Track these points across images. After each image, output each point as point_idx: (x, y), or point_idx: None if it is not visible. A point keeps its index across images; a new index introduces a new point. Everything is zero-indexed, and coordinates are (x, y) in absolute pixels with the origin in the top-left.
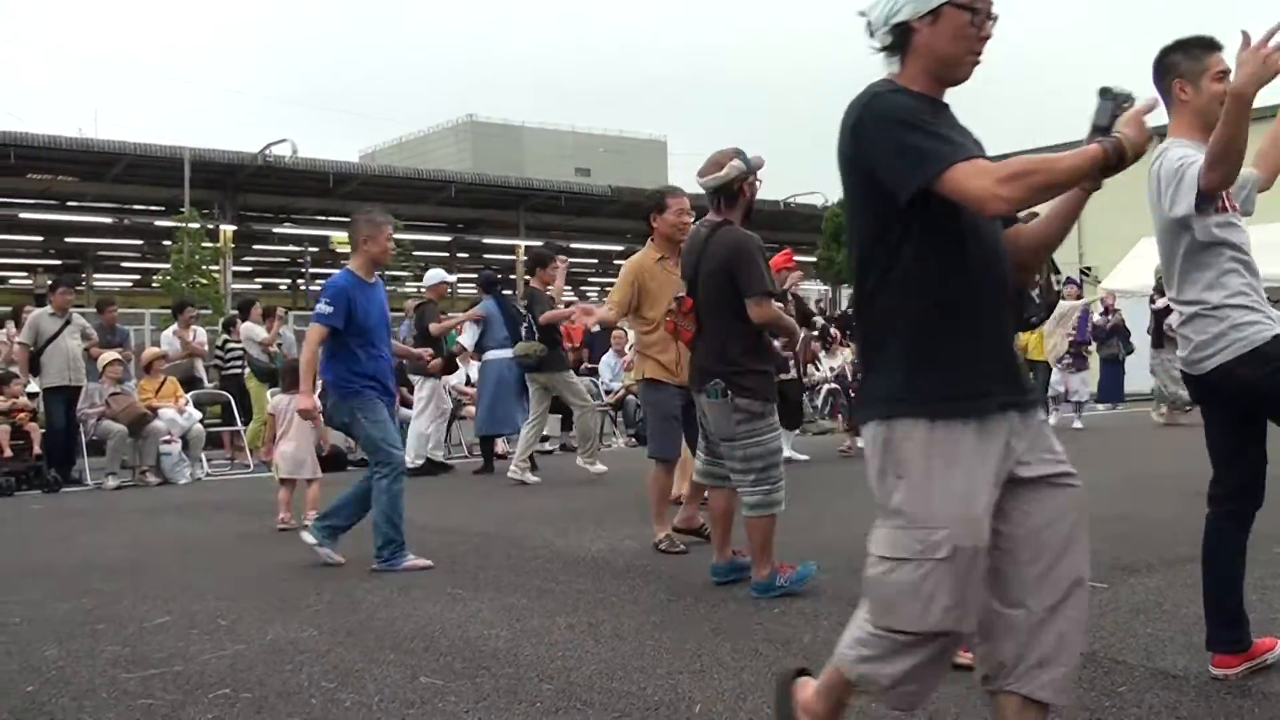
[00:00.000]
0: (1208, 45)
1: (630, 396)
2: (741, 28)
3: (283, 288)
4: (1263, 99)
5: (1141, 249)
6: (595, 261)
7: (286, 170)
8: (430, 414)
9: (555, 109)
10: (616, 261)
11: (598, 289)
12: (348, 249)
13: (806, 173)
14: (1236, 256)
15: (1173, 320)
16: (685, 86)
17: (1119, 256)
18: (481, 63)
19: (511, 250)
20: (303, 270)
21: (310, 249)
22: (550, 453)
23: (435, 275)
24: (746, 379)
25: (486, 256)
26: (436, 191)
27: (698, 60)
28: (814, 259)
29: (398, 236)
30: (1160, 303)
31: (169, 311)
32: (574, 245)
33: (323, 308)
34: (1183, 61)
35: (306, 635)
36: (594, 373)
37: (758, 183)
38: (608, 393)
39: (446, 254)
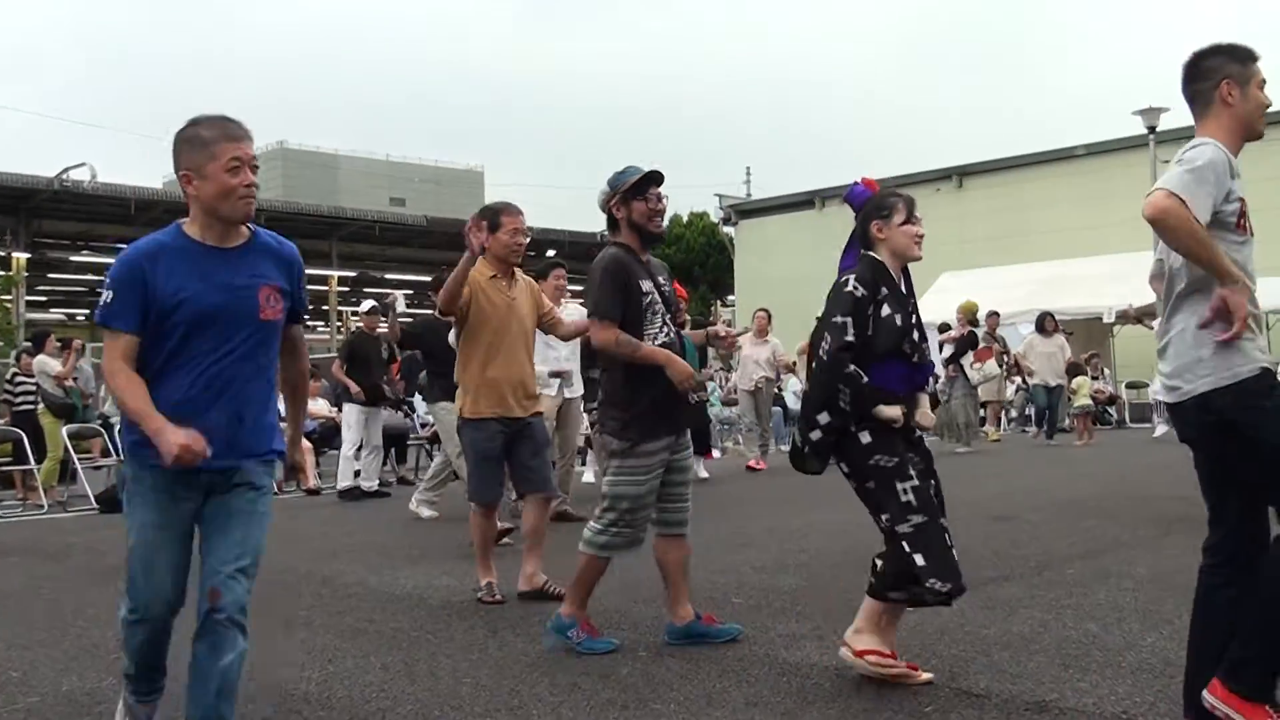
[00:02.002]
0: (1253, 53)
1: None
2: (561, 59)
3: (81, 318)
4: None
5: (942, 282)
6: (411, 293)
7: (86, 195)
8: (351, 441)
9: (370, 137)
10: (431, 295)
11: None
12: None
13: None
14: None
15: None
16: (503, 118)
17: (920, 291)
18: (294, 89)
19: (324, 280)
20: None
21: None
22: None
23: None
24: (609, 413)
25: None
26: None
27: (516, 92)
28: None
29: None
30: (951, 333)
31: None
32: (388, 276)
33: None
34: (1231, 65)
35: (106, 685)
36: (411, 406)
37: (642, 202)
38: (423, 426)
39: None
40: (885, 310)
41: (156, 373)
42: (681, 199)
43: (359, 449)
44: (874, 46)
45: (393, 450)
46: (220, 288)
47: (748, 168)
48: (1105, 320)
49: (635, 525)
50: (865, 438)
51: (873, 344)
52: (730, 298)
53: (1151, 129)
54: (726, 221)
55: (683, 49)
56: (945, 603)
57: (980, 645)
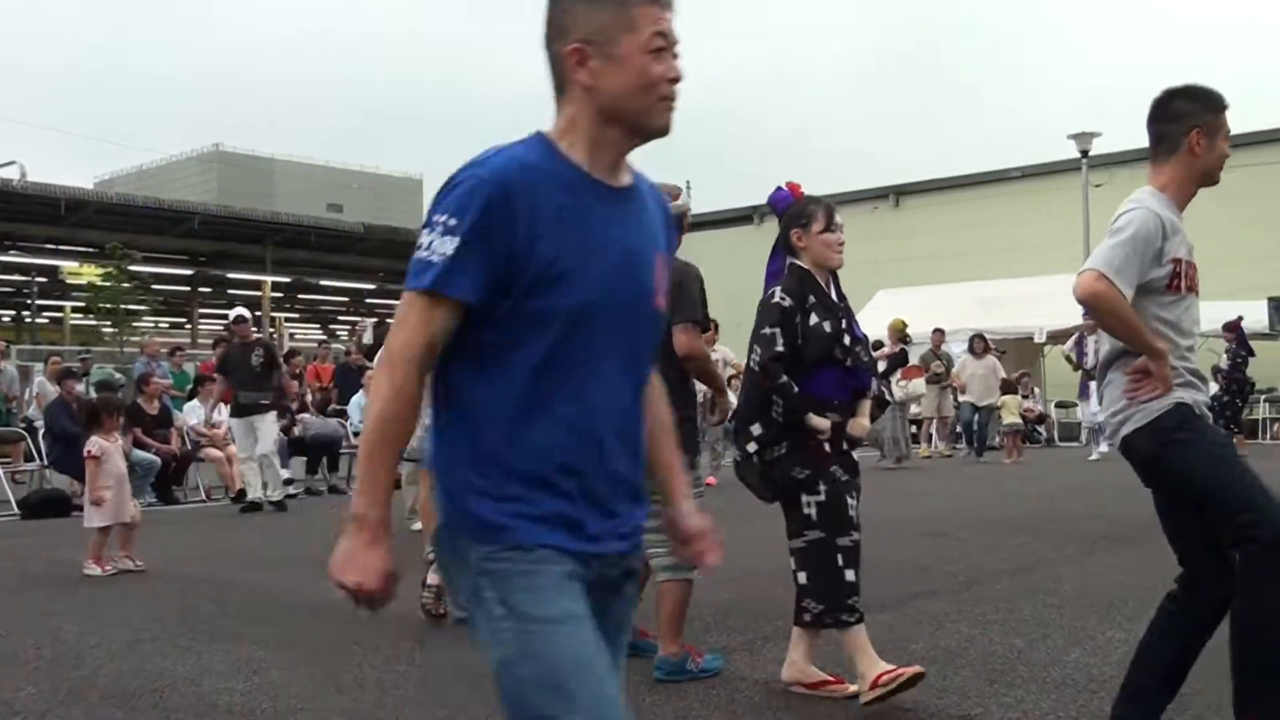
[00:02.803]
0: (1224, 102)
1: None
2: (504, 70)
3: (6, 319)
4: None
5: (878, 300)
6: (346, 300)
7: (13, 194)
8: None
9: (308, 142)
10: (369, 300)
11: (348, 328)
12: (80, 279)
13: None
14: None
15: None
16: (444, 127)
17: (857, 308)
18: (231, 91)
19: (257, 286)
20: (29, 301)
21: (38, 279)
22: (295, 495)
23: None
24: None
25: (231, 292)
26: (178, 223)
27: (457, 101)
28: None
29: (134, 269)
30: (884, 350)
31: None
32: (324, 283)
33: None
34: (1205, 114)
35: (24, 694)
36: (342, 414)
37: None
38: (356, 434)
39: (188, 288)
40: (814, 319)
41: (497, 394)
42: None
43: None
44: (816, 67)
45: (324, 458)
46: (622, 253)
47: (688, 181)
48: (1036, 340)
49: None
50: (783, 448)
51: (804, 353)
52: None
53: (1084, 153)
54: None
55: None
56: (837, 625)
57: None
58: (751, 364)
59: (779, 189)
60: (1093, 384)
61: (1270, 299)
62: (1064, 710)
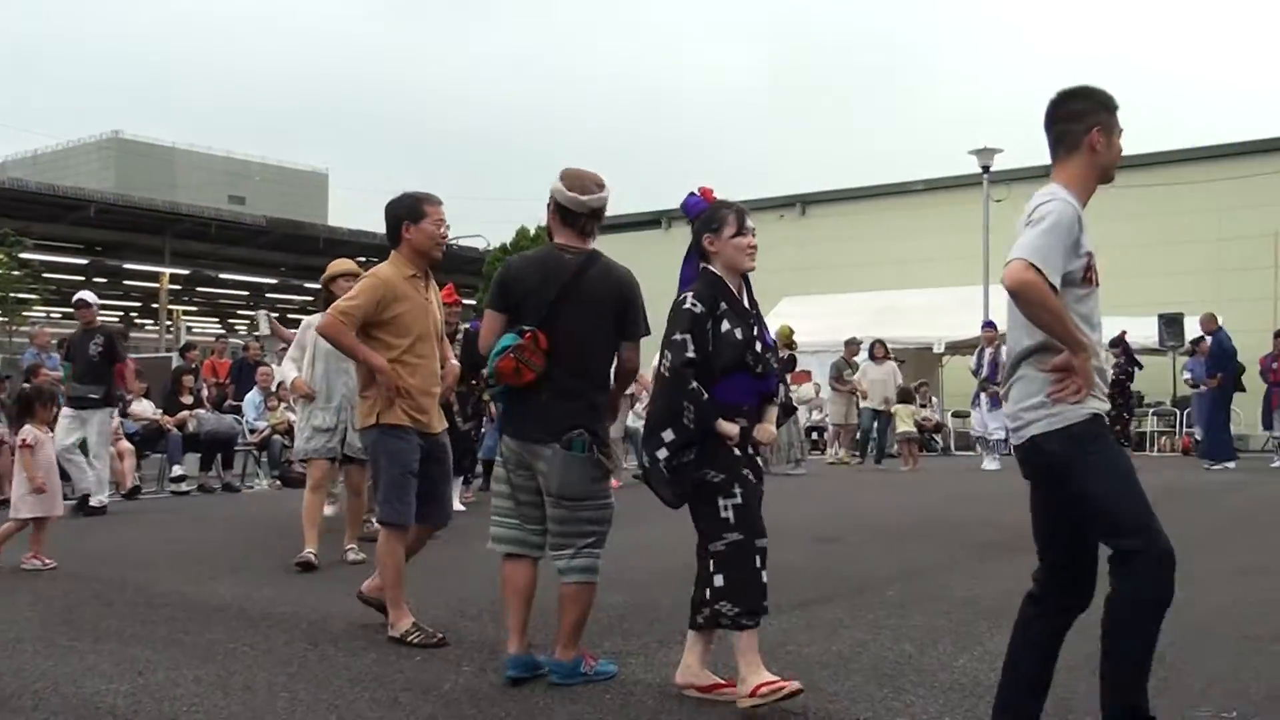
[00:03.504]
0: (1116, 102)
1: (276, 436)
2: (414, 65)
3: None
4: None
5: (782, 308)
6: (246, 294)
7: None
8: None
9: (211, 131)
10: (270, 295)
11: (247, 323)
12: None
13: (463, 212)
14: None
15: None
16: (350, 119)
17: (764, 314)
18: (131, 75)
19: (155, 278)
20: None
21: None
22: (187, 493)
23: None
24: (604, 431)
25: (127, 283)
26: (73, 210)
27: (364, 94)
28: (474, 301)
29: (25, 256)
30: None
31: None
32: (224, 276)
33: None
34: (1102, 112)
35: None
36: (238, 410)
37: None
38: (252, 431)
39: (83, 278)
40: (725, 325)
41: None
42: (529, 212)
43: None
44: (725, 74)
45: (218, 455)
46: None
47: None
48: (935, 350)
49: None
50: (692, 454)
51: (715, 360)
52: None
53: (986, 168)
54: None
55: (536, 63)
56: (736, 627)
57: (800, 664)
58: (662, 370)
59: (691, 194)
60: (983, 395)
61: (1160, 315)
62: (951, 715)
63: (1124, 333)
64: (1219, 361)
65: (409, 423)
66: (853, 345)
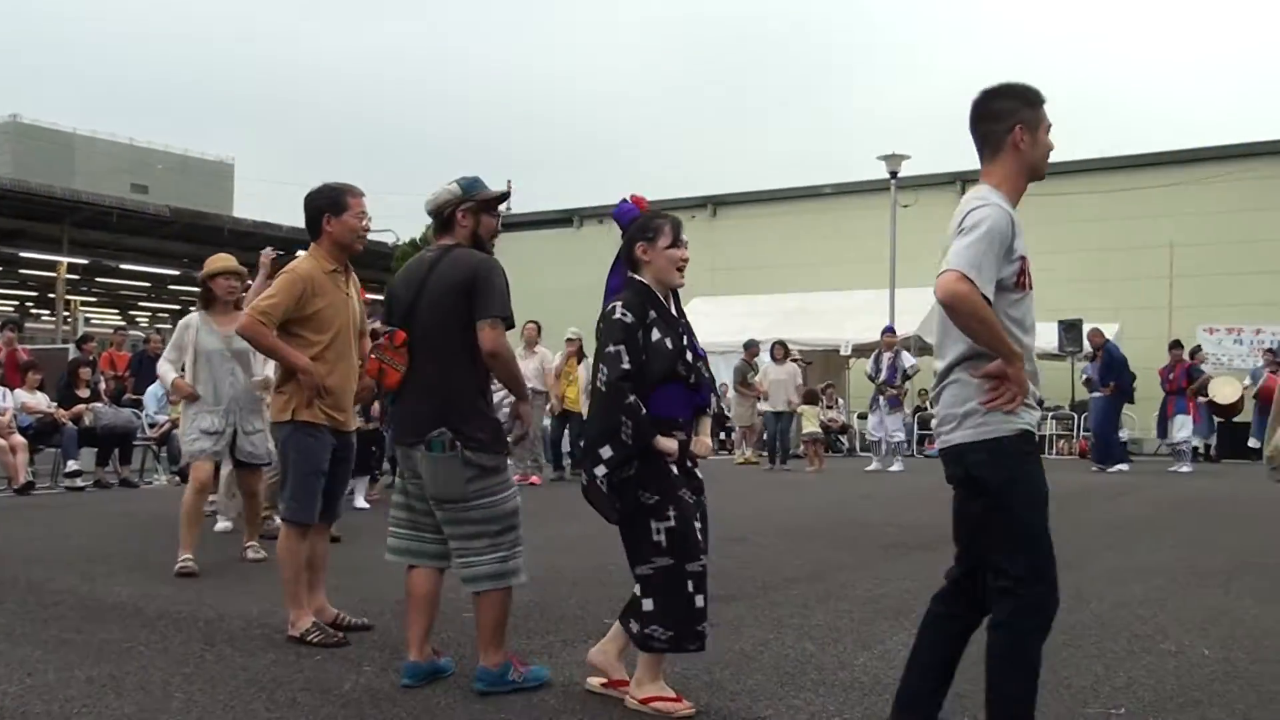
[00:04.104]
0: (1042, 96)
1: (176, 431)
2: (324, 58)
3: None
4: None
5: (695, 308)
6: (149, 285)
7: None
8: None
9: (113, 118)
10: (172, 286)
11: (149, 314)
12: None
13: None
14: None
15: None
16: (258, 109)
17: None
18: (30, 57)
19: (52, 267)
20: None
21: None
22: (83, 489)
23: None
24: (478, 427)
25: (24, 272)
26: None
27: (273, 84)
28: (381, 296)
29: None
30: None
31: None
32: (125, 266)
33: None
34: (1024, 109)
35: None
36: (138, 404)
37: (493, 218)
38: (151, 426)
39: None
40: (655, 335)
41: None
42: None
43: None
44: (639, 75)
45: (116, 450)
46: None
47: (509, 181)
48: (842, 353)
49: (522, 540)
50: (632, 470)
51: (647, 370)
52: None
53: (893, 174)
54: None
55: (451, 59)
56: (669, 650)
57: (703, 662)
58: (598, 384)
59: (624, 201)
60: (882, 398)
61: (1060, 321)
62: (849, 712)
63: None
64: (1110, 370)
65: (325, 421)
66: (753, 348)
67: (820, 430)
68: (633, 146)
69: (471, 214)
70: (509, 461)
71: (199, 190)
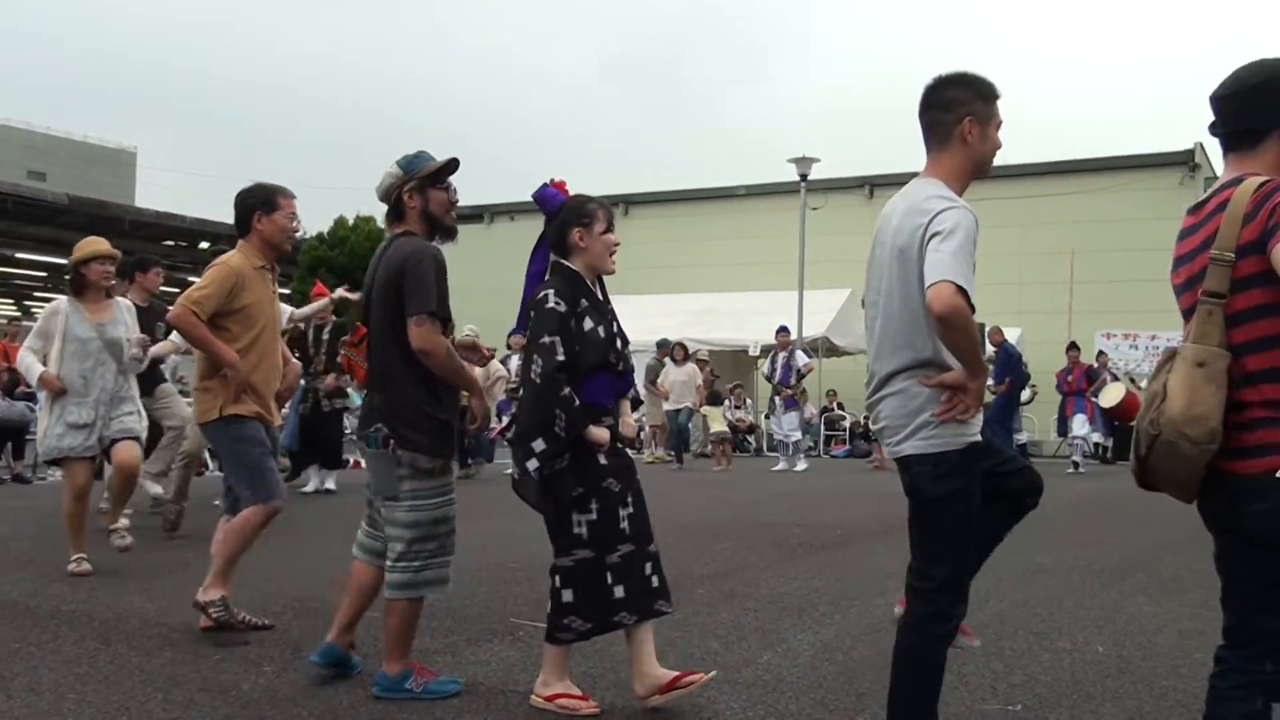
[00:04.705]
0: (996, 91)
1: None
2: (231, 46)
3: None
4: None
5: None
6: (45, 275)
7: None
8: None
9: (10, 103)
10: (68, 276)
11: (45, 305)
12: None
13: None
14: None
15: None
16: (162, 98)
17: None
18: None
19: None
20: None
21: None
22: None
23: None
24: (416, 427)
25: None
26: None
27: (178, 72)
28: (288, 290)
29: None
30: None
31: None
32: (20, 255)
33: None
34: (976, 101)
35: None
36: (32, 397)
37: (441, 191)
38: None
39: None
40: (588, 323)
41: None
42: (348, 201)
43: None
44: (553, 73)
45: (8, 444)
46: None
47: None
48: (751, 353)
49: (452, 549)
50: (564, 462)
51: (580, 359)
52: None
53: (803, 177)
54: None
55: (359, 53)
56: (583, 639)
57: (609, 662)
58: (532, 375)
59: (546, 185)
60: (778, 399)
61: None
62: (752, 710)
63: None
64: (1006, 368)
65: (250, 413)
66: (666, 348)
67: (727, 430)
68: (544, 144)
69: (417, 192)
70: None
71: (99, 179)
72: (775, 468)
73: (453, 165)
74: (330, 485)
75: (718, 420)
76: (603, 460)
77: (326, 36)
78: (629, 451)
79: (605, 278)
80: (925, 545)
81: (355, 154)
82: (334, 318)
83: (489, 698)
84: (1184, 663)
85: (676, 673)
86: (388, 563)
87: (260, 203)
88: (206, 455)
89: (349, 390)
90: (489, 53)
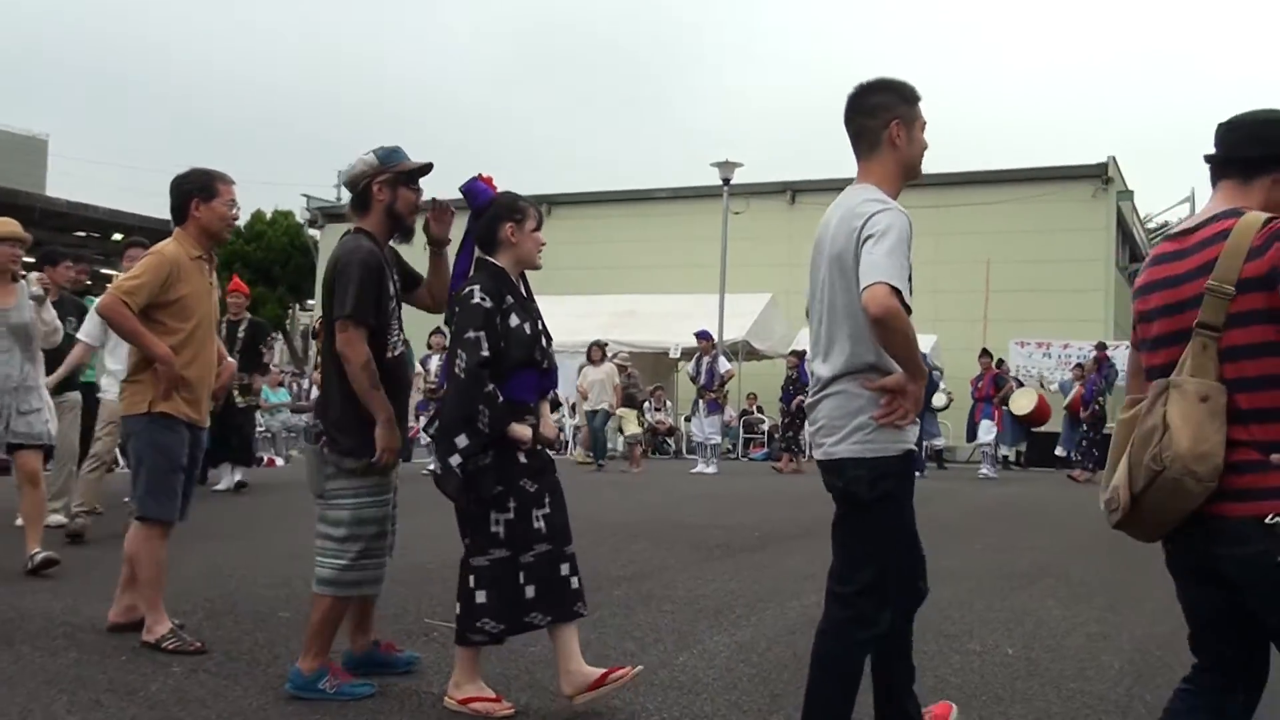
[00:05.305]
0: (918, 94)
1: None
2: (147, 32)
3: None
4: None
5: None
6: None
7: None
8: None
9: None
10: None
11: None
12: None
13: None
14: None
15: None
16: (76, 83)
17: None
18: None
19: None
20: None
21: None
22: None
23: None
24: (342, 428)
25: None
26: None
27: (93, 57)
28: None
29: None
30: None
31: None
32: None
33: None
34: (900, 105)
35: None
36: None
37: (412, 192)
38: None
39: None
40: (514, 320)
41: None
42: (266, 195)
43: None
44: (470, 67)
45: None
46: None
47: (339, 171)
48: (671, 355)
49: (381, 553)
50: (487, 459)
51: (505, 356)
52: (310, 301)
53: (726, 181)
54: (313, 224)
55: (281, 43)
56: (496, 641)
57: (524, 663)
58: (456, 370)
59: (475, 180)
60: (701, 402)
61: None
62: (668, 711)
63: (804, 350)
64: None
65: (182, 415)
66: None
67: (640, 432)
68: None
69: (388, 186)
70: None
71: (8, 166)
72: (694, 469)
73: (427, 168)
74: (239, 477)
75: (632, 423)
76: (522, 459)
77: (245, 24)
78: (548, 452)
79: (533, 280)
80: (851, 549)
81: (273, 146)
82: (248, 315)
83: (402, 699)
84: (1091, 665)
85: (603, 669)
86: (316, 557)
87: (198, 189)
88: (118, 453)
89: (262, 387)
90: (401, 41)
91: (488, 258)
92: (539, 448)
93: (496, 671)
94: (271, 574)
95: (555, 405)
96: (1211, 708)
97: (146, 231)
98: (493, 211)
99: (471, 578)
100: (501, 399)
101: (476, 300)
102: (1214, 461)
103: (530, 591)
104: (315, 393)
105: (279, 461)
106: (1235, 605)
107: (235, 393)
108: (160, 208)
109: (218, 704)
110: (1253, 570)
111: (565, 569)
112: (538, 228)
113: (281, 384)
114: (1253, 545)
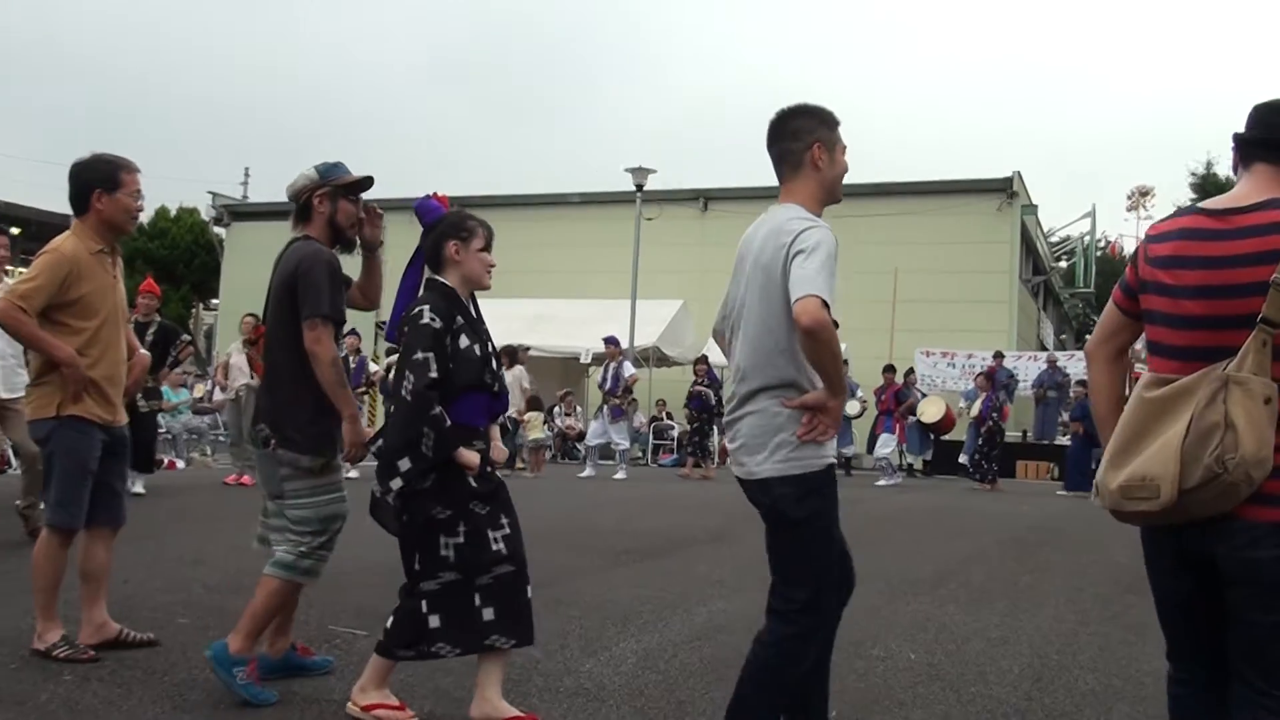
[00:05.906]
0: (837, 119)
1: None
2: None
3: None
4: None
5: None
6: None
7: None
8: None
9: None
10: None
11: None
12: None
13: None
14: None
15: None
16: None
17: None
18: None
19: None
20: None
21: None
22: None
23: None
24: (296, 426)
25: None
26: None
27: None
28: None
29: None
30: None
31: None
32: None
33: None
34: (821, 129)
35: None
36: None
37: (351, 204)
38: None
39: None
40: (464, 341)
41: None
42: (170, 191)
43: None
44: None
45: None
46: None
47: (247, 169)
48: (582, 360)
49: (332, 547)
50: (428, 483)
51: (454, 378)
52: (214, 300)
53: (639, 187)
54: (218, 222)
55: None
56: (446, 655)
57: (427, 670)
58: (403, 392)
59: (428, 197)
60: (606, 407)
61: None
62: (574, 718)
63: (705, 355)
64: None
65: (94, 417)
66: (510, 353)
67: (544, 437)
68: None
69: (328, 199)
70: (339, 463)
71: None
72: (582, 474)
73: (367, 182)
74: (139, 489)
75: (536, 427)
76: (472, 482)
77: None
78: (498, 474)
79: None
80: (786, 568)
81: (178, 143)
82: (158, 317)
83: (303, 707)
84: (991, 669)
85: (518, 713)
86: (275, 545)
87: (101, 179)
88: (9, 452)
89: (164, 390)
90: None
91: (437, 277)
92: (489, 470)
93: (399, 679)
94: (169, 579)
95: (505, 430)
96: (1213, 704)
97: (42, 225)
98: (439, 229)
99: (424, 602)
100: (449, 423)
101: (426, 320)
102: (1269, 466)
103: (489, 614)
104: (219, 394)
105: (179, 464)
106: (1212, 593)
107: (139, 397)
108: (42, 200)
109: (110, 713)
110: (1259, 572)
111: (530, 591)
112: (485, 247)
113: (184, 384)
114: (1263, 550)
